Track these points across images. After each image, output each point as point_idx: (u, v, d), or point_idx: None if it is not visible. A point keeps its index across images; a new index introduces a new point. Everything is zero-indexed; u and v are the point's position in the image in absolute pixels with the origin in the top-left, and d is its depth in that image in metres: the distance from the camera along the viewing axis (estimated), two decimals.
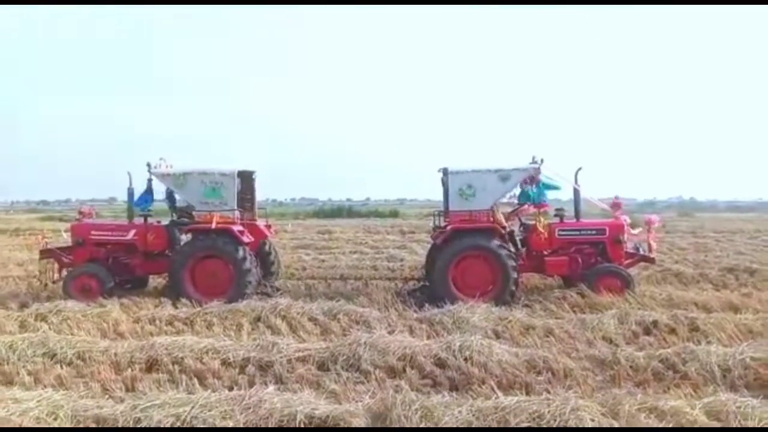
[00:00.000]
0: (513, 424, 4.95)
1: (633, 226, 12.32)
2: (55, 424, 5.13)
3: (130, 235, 12.02)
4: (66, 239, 14.11)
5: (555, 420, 4.92)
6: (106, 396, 6.06)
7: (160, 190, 12.34)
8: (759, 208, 65.63)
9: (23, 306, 10.65)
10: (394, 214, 51.53)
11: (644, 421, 5.00)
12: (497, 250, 10.67)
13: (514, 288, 10.66)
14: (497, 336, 8.32)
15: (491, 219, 11.04)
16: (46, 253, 12.65)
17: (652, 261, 11.99)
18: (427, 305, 10.02)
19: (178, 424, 5.05)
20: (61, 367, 7.02)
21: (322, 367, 7.00)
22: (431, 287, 11.23)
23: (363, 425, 5.10)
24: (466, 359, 6.93)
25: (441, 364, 6.94)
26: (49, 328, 8.78)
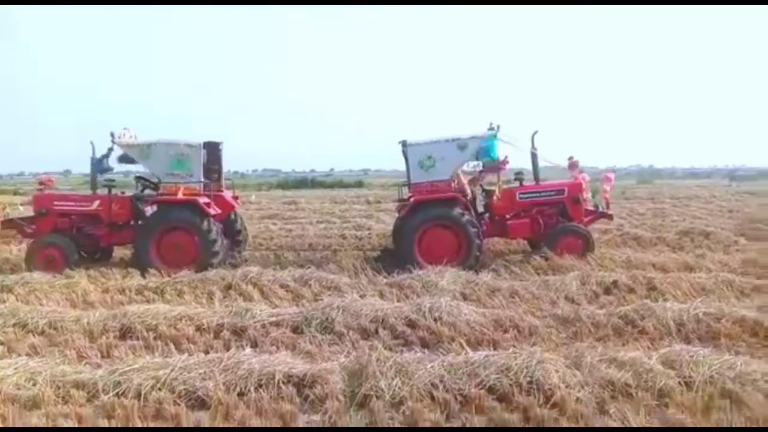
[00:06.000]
0: (482, 376, 5.21)
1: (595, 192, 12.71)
2: (35, 389, 5.18)
3: (95, 205, 11.87)
4: (22, 212, 13.88)
5: (522, 371, 5.20)
6: (83, 362, 6.10)
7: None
8: (714, 174, 67.86)
9: None
10: (359, 185, 51.63)
11: (605, 370, 5.30)
12: (459, 218, 10.89)
13: (478, 253, 10.93)
14: (465, 298, 8.56)
15: (453, 188, 11.24)
16: (7, 224, 12.46)
17: (610, 217, 12.39)
18: (396, 271, 10.20)
19: (158, 386, 5.15)
20: (34, 336, 7.00)
21: (296, 330, 7.15)
22: (398, 258, 11.37)
23: (339, 381, 5.29)
24: (435, 320, 7.17)
25: (412, 324, 7.17)
26: (17, 300, 8.71)
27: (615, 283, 8.98)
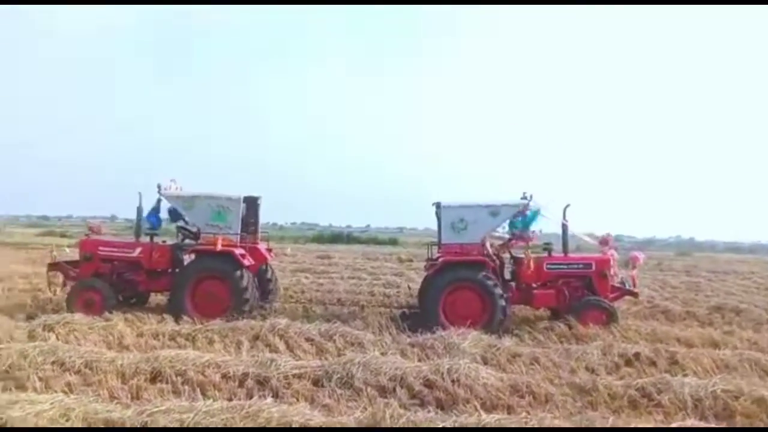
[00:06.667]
0: None
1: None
2: (68, 425, 5.52)
3: (136, 252, 12.47)
4: (68, 255, 14.58)
5: None
6: (114, 402, 6.44)
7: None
8: (758, 250, 66.04)
9: (30, 317, 10.99)
10: (394, 242, 52.05)
11: None
12: (486, 282, 11.09)
13: (502, 318, 11.04)
14: (485, 362, 8.67)
15: (482, 252, 11.48)
16: (53, 266, 13.10)
17: (635, 295, 12.42)
18: (420, 330, 10.39)
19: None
20: (70, 374, 7.40)
21: (317, 383, 7.38)
22: (423, 316, 11.59)
23: None
24: (453, 381, 7.31)
25: (429, 384, 7.32)
26: (57, 339, 9.18)
27: (637, 355, 8.97)
